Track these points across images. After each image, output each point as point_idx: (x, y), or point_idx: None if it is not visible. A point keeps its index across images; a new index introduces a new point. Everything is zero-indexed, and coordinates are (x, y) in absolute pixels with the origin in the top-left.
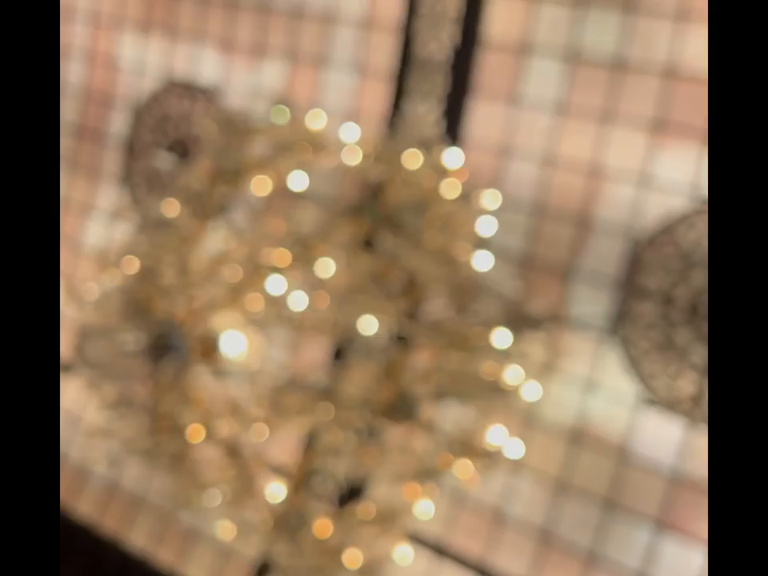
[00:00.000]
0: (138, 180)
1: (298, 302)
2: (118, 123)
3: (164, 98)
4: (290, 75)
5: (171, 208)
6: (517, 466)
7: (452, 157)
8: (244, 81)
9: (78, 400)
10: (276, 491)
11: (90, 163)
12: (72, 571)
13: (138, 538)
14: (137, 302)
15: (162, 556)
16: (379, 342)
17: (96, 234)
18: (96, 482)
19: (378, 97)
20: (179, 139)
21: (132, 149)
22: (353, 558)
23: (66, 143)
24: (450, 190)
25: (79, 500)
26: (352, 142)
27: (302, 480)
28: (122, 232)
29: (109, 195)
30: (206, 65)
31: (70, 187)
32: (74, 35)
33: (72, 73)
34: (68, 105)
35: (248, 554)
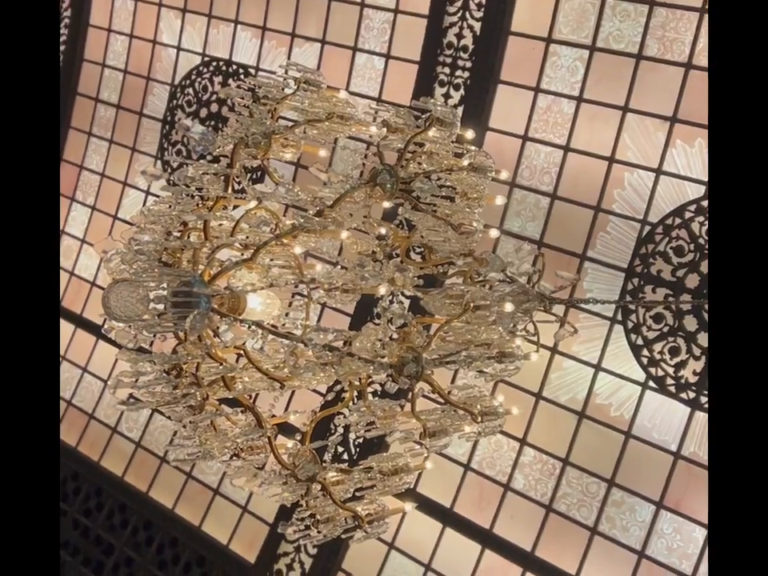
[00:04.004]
0: (173, 150)
1: (316, 266)
2: (157, 98)
3: (200, 76)
4: (322, 59)
5: (199, 172)
6: (522, 439)
7: (473, 135)
8: (277, 62)
9: (107, 360)
10: (289, 445)
11: (129, 134)
12: (97, 526)
13: (160, 495)
14: (162, 256)
15: (183, 512)
16: (392, 306)
17: (133, 199)
18: (122, 440)
19: (405, 80)
20: (213, 114)
21: (168, 122)
22: (360, 512)
23: (109, 116)
24: (468, 164)
25: (105, 457)
26: (376, 115)
27: (313, 435)
28: (154, 195)
29: (145, 163)
30: (241, 47)
31: (111, 156)
32: (115, 18)
33: (113, 51)
34: (110, 81)
35: (263, 509)
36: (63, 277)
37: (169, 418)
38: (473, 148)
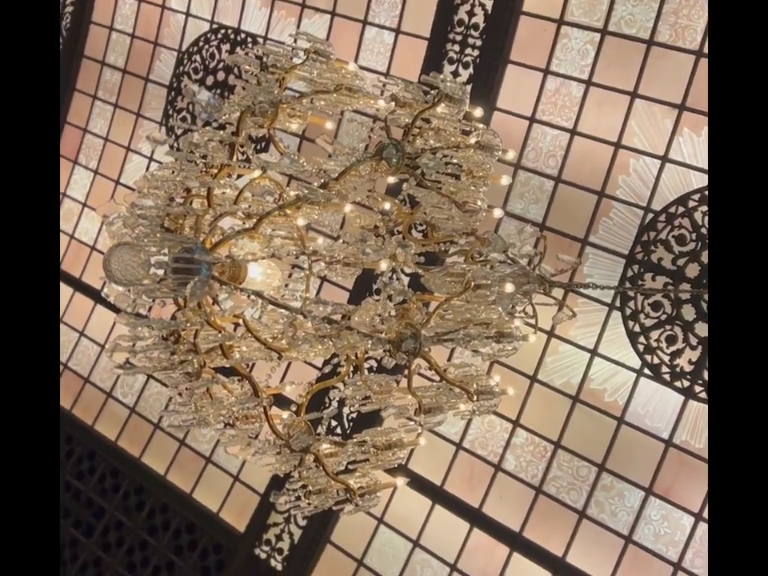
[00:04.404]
0: (178, 116)
1: (318, 239)
2: (163, 64)
3: (207, 43)
4: (331, 31)
5: (204, 138)
6: (515, 421)
7: (482, 113)
8: (286, 33)
9: (105, 325)
10: (284, 416)
11: (134, 99)
12: (89, 489)
13: (153, 461)
14: (164, 222)
15: (175, 479)
16: (393, 282)
17: (136, 164)
18: (116, 405)
19: (414, 56)
20: (219, 82)
21: (174, 88)
22: (352, 485)
23: (114, 80)
24: (475, 141)
25: (99, 421)
26: (384, 88)
27: (308, 407)
28: (157, 161)
29: (150, 129)
30: (250, 16)
31: (115, 120)
32: None
33: (122, 15)
34: (117, 45)
35: (255, 479)
36: (63, 240)
37: (164, 384)
38: (481, 126)
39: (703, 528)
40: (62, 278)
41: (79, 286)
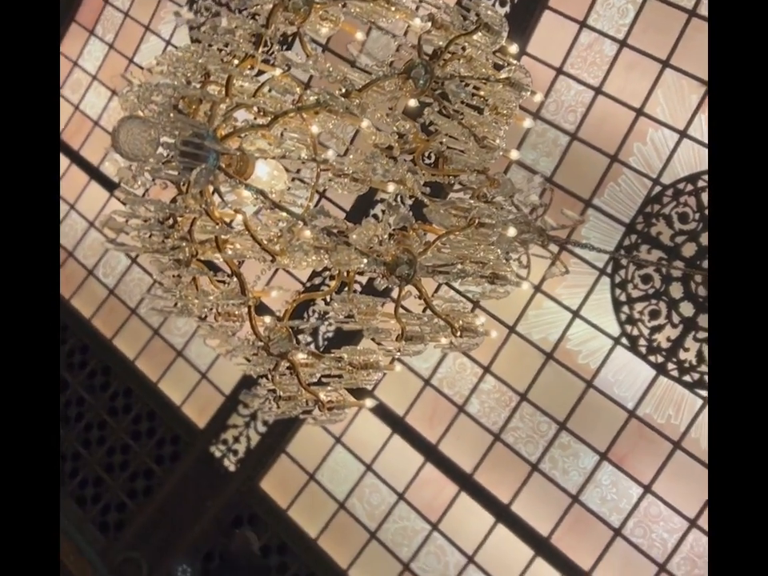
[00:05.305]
0: (202, 3)
1: (329, 148)
2: None
3: None
4: None
5: (232, 25)
6: (486, 367)
7: (516, 50)
8: None
9: (97, 202)
10: (266, 320)
11: None
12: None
13: (123, 346)
14: (179, 103)
15: (143, 366)
16: (396, 206)
17: (153, 45)
18: (96, 284)
19: None
20: None
21: None
22: (322, 397)
23: None
24: (506, 77)
25: (75, 297)
26: (420, 4)
27: (292, 313)
28: (174, 46)
29: (171, 11)
30: None
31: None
32: None
33: None
34: None
35: (222, 379)
36: (67, 109)
37: (147, 272)
38: (514, 62)
39: (649, 500)
40: (60, 148)
41: (76, 158)
